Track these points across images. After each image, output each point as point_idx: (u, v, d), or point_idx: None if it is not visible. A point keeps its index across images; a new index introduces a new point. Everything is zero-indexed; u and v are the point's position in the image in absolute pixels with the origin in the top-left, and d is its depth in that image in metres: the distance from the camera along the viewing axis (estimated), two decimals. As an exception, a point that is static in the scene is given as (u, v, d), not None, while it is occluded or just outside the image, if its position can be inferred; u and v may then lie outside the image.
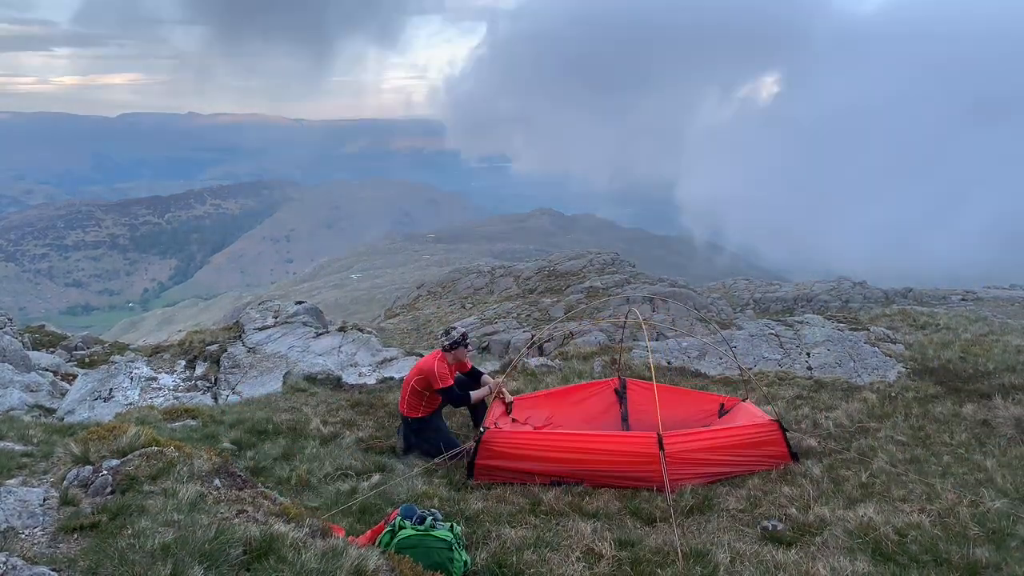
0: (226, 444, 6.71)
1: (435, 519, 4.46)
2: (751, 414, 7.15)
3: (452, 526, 4.51)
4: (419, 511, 4.53)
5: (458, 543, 4.37)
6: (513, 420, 7.21)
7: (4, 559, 2.88)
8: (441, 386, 6.93)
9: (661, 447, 5.98)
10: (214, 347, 12.96)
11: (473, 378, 7.51)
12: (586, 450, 6.30)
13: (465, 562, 4.32)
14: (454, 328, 7.35)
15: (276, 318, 14.49)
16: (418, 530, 4.33)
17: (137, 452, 4.11)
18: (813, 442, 7.29)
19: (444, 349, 7.17)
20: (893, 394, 9.05)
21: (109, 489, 3.79)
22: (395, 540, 4.28)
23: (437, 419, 7.25)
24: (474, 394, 7.28)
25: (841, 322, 13.49)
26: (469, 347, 7.54)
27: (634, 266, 37.23)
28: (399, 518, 4.45)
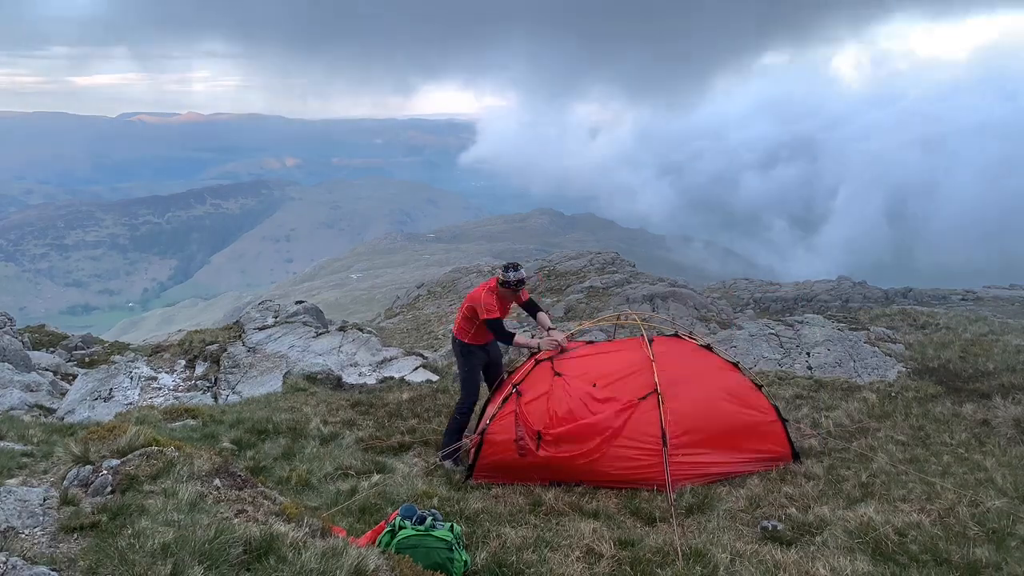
0: (226, 444, 6.72)
1: (435, 519, 4.46)
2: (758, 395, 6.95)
3: (452, 526, 4.51)
4: (419, 511, 4.53)
5: (458, 543, 4.37)
6: (557, 375, 6.66)
7: (4, 559, 2.88)
8: (486, 317, 6.89)
9: (665, 444, 5.97)
10: (214, 347, 12.96)
11: (530, 308, 7.39)
12: (589, 458, 6.24)
13: (465, 562, 4.32)
14: (518, 270, 7.06)
15: (276, 318, 14.49)
16: (418, 530, 4.33)
17: (137, 452, 4.11)
18: (814, 441, 7.30)
19: (499, 282, 7.04)
20: (893, 394, 9.05)
21: (109, 489, 3.79)
22: (395, 540, 4.28)
23: (477, 356, 7.22)
24: (518, 338, 7.15)
25: (841, 322, 13.49)
26: (520, 294, 7.23)
27: (634, 266, 37.22)
28: (399, 518, 4.46)
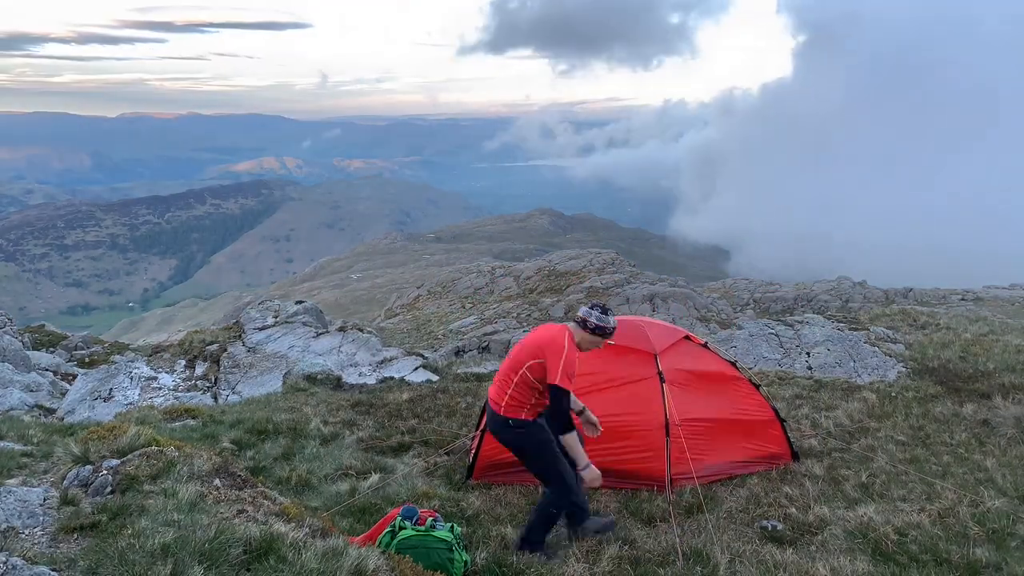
0: (226, 444, 6.72)
1: (435, 519, 4.46)
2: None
3: (452, 526, 4.51)
4: (419, 512, 4.53)
5: (458, 543, 4.37)
6: None
7: (4, 559, 2.87)
8: (558, 383, 4.40)
9: (667, 432, 5.96)
10: (214, 347, 12.96)
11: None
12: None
13: (465, 562, 4.32)
14: (608, 310, 4.72)
15: (276, 318, 14.49)
16: (418, 530, 4.33)
17: (137, 452, 4.11)
18: (813, 441, 7.30)
19: (579, 324, 4.62)
20: (893, 394, 9.05)
21: (109, 489, 3.80)
22: (395, 540, 4.28)
23: (545, 431, 4.69)
24: (571, 437, 4.58)
25: (841, 322, 13.49)
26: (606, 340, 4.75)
27: (634, 266, 37.26)
28: (399, 518, 4.46)
